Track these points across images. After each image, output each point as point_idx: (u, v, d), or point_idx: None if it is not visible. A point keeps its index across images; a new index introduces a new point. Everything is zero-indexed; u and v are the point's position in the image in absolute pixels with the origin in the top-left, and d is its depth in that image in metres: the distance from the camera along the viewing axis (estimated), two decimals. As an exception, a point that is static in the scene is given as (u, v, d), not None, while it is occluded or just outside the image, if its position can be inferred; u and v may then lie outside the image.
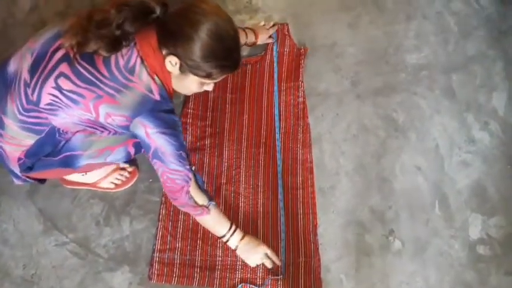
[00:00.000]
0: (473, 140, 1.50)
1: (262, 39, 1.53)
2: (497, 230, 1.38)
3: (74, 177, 1.32)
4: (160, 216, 1.36)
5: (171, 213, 1.36)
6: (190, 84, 1.00)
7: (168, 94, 0.98)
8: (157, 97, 0.94)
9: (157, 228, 1.34)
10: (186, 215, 1.36)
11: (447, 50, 1.63)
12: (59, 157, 1.07)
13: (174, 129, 0.97)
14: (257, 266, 1.29)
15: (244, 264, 1.30)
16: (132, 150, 1.14)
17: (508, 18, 1.69)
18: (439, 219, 1.39)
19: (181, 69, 0.94)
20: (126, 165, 1.39)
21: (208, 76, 0.96)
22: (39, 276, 1.28)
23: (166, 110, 0.96)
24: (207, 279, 1.28)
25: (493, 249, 1.36)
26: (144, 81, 0.92)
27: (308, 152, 1.44)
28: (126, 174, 1.38)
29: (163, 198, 1.38)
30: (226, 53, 0.94)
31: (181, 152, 1.00)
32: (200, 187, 1.13)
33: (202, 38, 0.88)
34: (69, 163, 1.08)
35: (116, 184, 1.37)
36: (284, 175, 1.41)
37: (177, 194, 1.06)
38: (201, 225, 1.34)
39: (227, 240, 1.22)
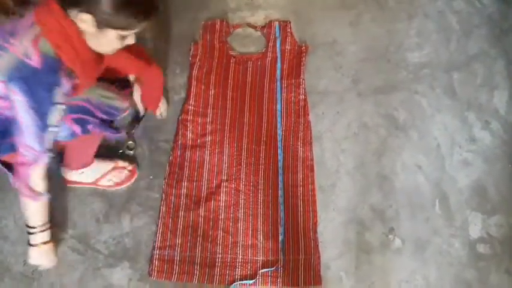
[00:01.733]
0: (474, 139, 1.50)
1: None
2: (498, 229, 1.38)
3: (73, 176, 1.33)
4: (161, 213, 1.36)
5: (171, 210, 1.36)
6: (109, 41, 0.92)
7: (61, 64, 0.88)
8: (36, 64, 0.85)
9: (157, 225, 1.34)
10: (187, 211, 1.36)
11: (449, 48, 1.63)
12: (7, 140, 1.00)
13: (44, 107, 0.89)
14: (256, 262, 1.29)
15: (244, 261, 1.30)
16: (76, 128, 1.08)
17: (509, 17, 1.69)
18: (439, 217, 1.39)
19: (97, 25, 0.86)
20: (125, 164, 1.38)
21: (127, 27, 0.90)
22: (39, 272, 1.28)
23: (46, 83, 0.87)
24: (206, 276, 1.28)
25: (493, 248, 1.36)
26: (23, 45, 0.84)
27: (309, 150, 1.44)
28: (125, 172, 1.38)
29: (163, 195, 1.38)
30: (139, 5, 0.87)
31: (44, 134, 0.92)
32: (45, 177, 1.05)
33: None
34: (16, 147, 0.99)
35: (115, 182, 1.37)
36: (284, 173, 1.41)
37: (22, 167, 0.98)
38: (201, 223, 1.35)
39: (33, 233, 1.14)
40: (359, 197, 1.40)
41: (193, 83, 1.53)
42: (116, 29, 0.89)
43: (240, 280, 1.28)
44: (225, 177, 1.41)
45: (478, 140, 1.49)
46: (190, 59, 1.58)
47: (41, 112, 0.89)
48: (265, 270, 1.28)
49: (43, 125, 0.91)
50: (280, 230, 1.34)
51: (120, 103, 1.16)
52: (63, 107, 0.92)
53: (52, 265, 1.23)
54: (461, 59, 1.61)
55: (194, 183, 1.40)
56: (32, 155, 0.95)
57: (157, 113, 1.45)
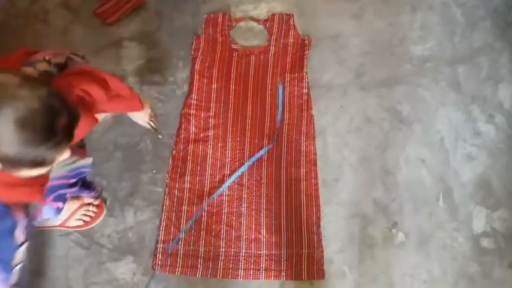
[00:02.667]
0: (479, 132, 1.49)
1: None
2: (502, 223, 1.38)
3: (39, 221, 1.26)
4: (164, 207, 1.36)
5: (175, 204, 1.36)
6: (25, 175, 0.79)
7: (7, 207, 0.83)
8: None
9: (161, 219, 1.35)
10: (190, 205, 1.36)
11: (453, 41, 1.61)
12: None
13: (6, 255, 0.85)
14: (259, 256, 1.29)
15: (248, 255, 1.30)
16: (58, 204, 1.09)
17: (515, 9, 1.66)
18: (443, 212, 1.38)
19: (4, 167, 0.74)
20: (91, 200, 1.33)
21: (40, 164, 0.75)
22: (43, 266, 1.29)
23: (1, 231, 0.83)
24: (210, 270, 1.29)
25: (497, 242, 1.35)
26: None
27: (312, 144, 1.44)
28: (93, 209, 1.33)
29: (166, 189, 1.38)
30: (42, 135, 0.72)
31: (9, 275, 0.87)
32: None
33: (3, 133, 0.68)
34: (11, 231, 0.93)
35: (84, 221, 1.32)
36: (288, 167, 1.41)
37: None
38: (204, 217, 1.35)
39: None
40: (362, 191, 1.40)
41: (196, 77, 1.52)
42: (27, 169, 0.75)
43: (243, 274, 1.28)
44: (228, 172, 1.40)
45: (483, 133, 1.48)
46: (192, 52, 1.57)
47: (4, 261, 0.85)
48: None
49: (7, 270, 0.87)
50: (283, 224, 1.34)
51: (84, 161, 1.14)
52: (26, 244, 0.88)
53: None
54: (466, 52, 1.60)
55: (197, 178, 1.40)
56: None
57: (146, 124, 1.35)
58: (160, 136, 1.44)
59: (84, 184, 1.26)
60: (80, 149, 1.18)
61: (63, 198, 1.12)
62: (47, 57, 0.93)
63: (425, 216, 1.37)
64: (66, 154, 0.81)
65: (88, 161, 1.16)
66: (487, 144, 1.47)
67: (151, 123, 1.35)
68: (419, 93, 1.54)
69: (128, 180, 1.40)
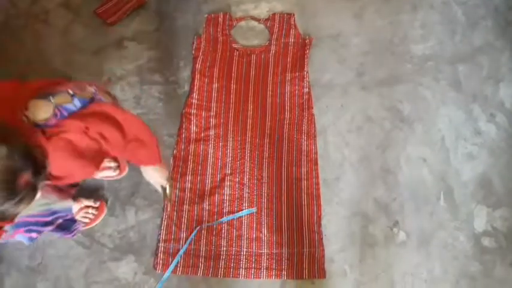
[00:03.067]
0: (480, 132, 1.49)
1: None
2: (503, 222, 1.38)
3: None
4: (165, 206, 1.36)
5: (176, 203, 1.36)
6: None
7: None
8: None
9: (162, 218, 1.35)
10: (191, 205, 1.36)
11: (454, 40, 1.61)
12: None
13: None
14: (260, 255, 1.29)
15: (249, 254, 1.30)
16: (31, 235, 1.07)
17: (516, 8, 1.66)
18: (444, 211, 1.38)
19: None
20: (90, 203, 1.33)
21: (1, 219, 0.72)
22: (45, 265, 1.29)
23: None
24: (211, 269, 1.29)
25: (498, 241, 1.35)
26: None
27: (313, 143, 1.44)
28: (92, 211, 1.33)
29: (167, 189, 1.38)
30: (1, 194, 0.69)
31: None
32: None
33: None
34: None
35: (85, 223, 1.32)
36: (288, 166, 1.41)
37: None
38: (205, 216, 1.35)
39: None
40: (363, 191, 1.40)
41: (197, 76, 1.52)
42: None
43: (245, 273, 1.28)
44: (229, 171, 1.41)
45: (483, 132, 1.48)
46: (193, 52, 1.57)
47: None
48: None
49: None
50: (284, 223, 1.34)
51: (62, 204, 1.11)
52: None
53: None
54: (467, 51, 1.60)
55: (198, 177, 1.40)
56: None
57: (165, 198, 1.26)
58: (168, 206, 1.34)
59: (62, 225, 1.19)
60: (69, 188, 1.14)
61: (35, 231, 1.07)
62: (70, 91, 0.88)
63: (426, 215, 1.37)
64: (36, 197, 0.76)
65: (67, 204, 1.12)
66: (487, 143, 1.47)
67: (167, 189, 1.19)
68: (420, 92, 1.53)
69: (129, 180, 1.40)
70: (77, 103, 0.88)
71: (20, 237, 1.06)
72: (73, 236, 1.28)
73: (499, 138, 1.48)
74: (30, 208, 0.94)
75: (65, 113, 0.85)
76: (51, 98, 0.84)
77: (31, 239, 1.09)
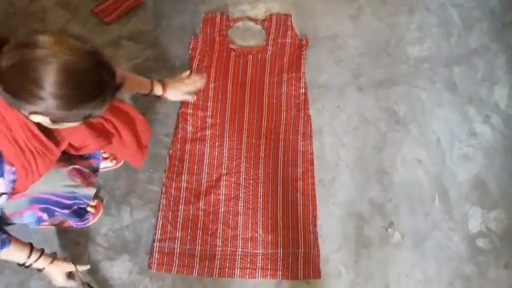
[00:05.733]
0: (475, 133, 1.49)
1: (172, 95, 1.29)
2: (497, 223, 1.38)
3: None
4: (161, 206, 1.36)
5: (171, 203, 1.36)
6: (72, 127, 0.86)
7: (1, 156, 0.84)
8: None
9: (157, 218, 1.35)
10: (187, 205, 1.36)
11: (449, 42, 1.62)
12: None
13: None
14: (256, 255, 1.29)
15: (244, 254, 1.30)
16: (42, 215, 1.07)
17: (511, 11, 1.67)
18: (439, 212, 1.39)
19: (52, 123, 0.81)
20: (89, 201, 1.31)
21: (87, 117, 0.82)
22: (39, 264, 1.28)
23: None
24: (206, 269, 1.29)
25: (492, 242, 1.36)
26: None
27: (309, 144, 1.44)
28: (90, 209, 1.32)
29: (163, 188, 1.38)
30: (90, 94, 0.78)
31: None
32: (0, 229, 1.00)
33: (53, 93, 0.73)
34: None
35: (92, 215, 1.32)
36: (284, 166, 1.41)
37: None
38: (201, 216, 1.35)
39: (29, 267, 1.07)
40: (359, 191, 1.40)
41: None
42: (75, 122, 0.83)
43: (239, 273, 1.28)
44: (225, 171, 1.41)
45: (479, 134, 1.49)
46: (190, 52, 1.57)
47: None
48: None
49: None
50: (280, 223, 1.35)
51: (85, 190, 1.12)
52: (6, 196, 0.88)
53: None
54: (462, 53, 1.61)
55: (194, 177, 1.40)
56: None
57: None
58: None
59: (76, 212, 1.21)
60: (92, 175, 1.16)
61: (49, 212, 1.08)
62: None
63: (421, 216, 1.38)
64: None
65: (89, 192, 1.13)
66: (483, 145, 1.48)
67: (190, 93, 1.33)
68: (415, 94, 1.54)
69: (125, 179, 1.40)
70: None
71: (30, 215, 1.05)
72: (84, 225, 1.29)
73: (494, 139, 1.49)
74: (56, 186, 1.04)
75: None
76: None
77: (40, 221, 1.08)
